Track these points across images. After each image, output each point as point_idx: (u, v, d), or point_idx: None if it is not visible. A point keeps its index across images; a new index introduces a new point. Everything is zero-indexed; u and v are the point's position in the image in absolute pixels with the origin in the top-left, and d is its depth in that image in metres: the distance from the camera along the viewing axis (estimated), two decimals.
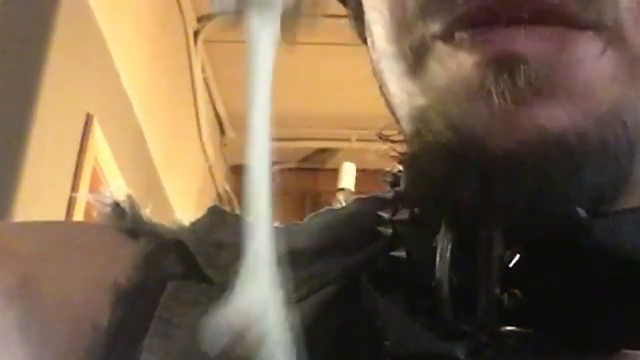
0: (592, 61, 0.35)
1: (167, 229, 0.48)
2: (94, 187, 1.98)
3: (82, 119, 1.92)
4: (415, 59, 0.38)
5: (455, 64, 0.36)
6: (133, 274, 0.45)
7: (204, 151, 3.12)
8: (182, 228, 0.48)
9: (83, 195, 1.89)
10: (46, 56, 1.73)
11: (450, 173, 0.36)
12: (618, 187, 0.36)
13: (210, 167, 3.19)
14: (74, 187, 1.87)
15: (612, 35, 0.35)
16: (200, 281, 0.45)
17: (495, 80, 0.35)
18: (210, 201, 3.24)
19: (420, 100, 0.38)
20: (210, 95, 3.15)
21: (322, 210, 0.49)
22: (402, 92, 0.40)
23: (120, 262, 0.45)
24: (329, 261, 0.45)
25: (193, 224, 0.48)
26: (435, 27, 0.37)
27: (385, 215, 0.44)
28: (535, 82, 0.35)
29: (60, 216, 1.81)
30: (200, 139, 3.07)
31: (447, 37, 0.37)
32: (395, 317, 0.40)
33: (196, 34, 2.92)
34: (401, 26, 0.39)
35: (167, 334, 0.42)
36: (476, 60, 0.36)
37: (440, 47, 0.37)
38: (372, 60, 0.43)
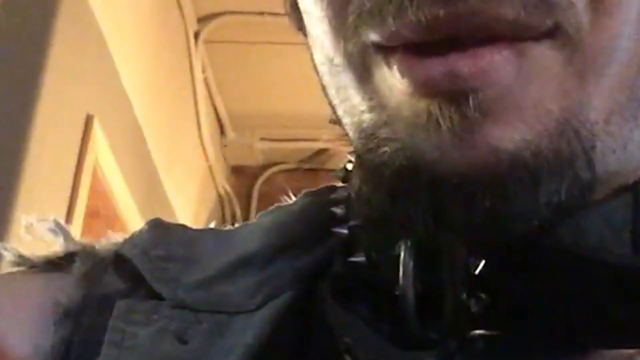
0: (544, 74, 0.34)
1: (104, 247, 0.46)
2: (94, 187, 1.98)
3: (83, 120, 1.92)
4: (358, 71, 0.37)
5: (397, 89, 0.35)
6: (73, 292, 0.44)
7: (204, 151, 3.12)
8: (120, 244, 0.46)
9: (83, 199, 1.89)
10: (46, 56, 1.73)
11: (398, 195, 0.35)
12: (578, 194, 0.35)
13: (210, 168, 3.19)
14: (74, 187, 1.87)
15: (569, 41, 0.34)
16: (149, 297, 0.43)
17: (441, 111, 0.34)
18: (210, 201, 3.24)
19: (367, 116, 0.37)
20: (210, 96, 3.14)
21: (272, 207, 0.48)
22: (347, 101, 0.38)
23: (57, 285, 0.44)
24: (282, 264, 0.44)
25: (132, 239, 0.46)
26: (373, 37, 0.35)
27: (338, 211, 0.43)
28: (484, 107, 0.33)
29: (61, 216, 1.81)
30: (201, 140, 3.07)
31: (385, 55, 0.35)
32: (359, 331, 0.39)
33: (196, 34, 2.92)
34: (340, 34, 0.37)
35: (120, 357, 0.41)
36: (417, 89, 0.34)
37: (381, 65, 0.36)
38: (312, 59, 0.41)
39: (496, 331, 0.37)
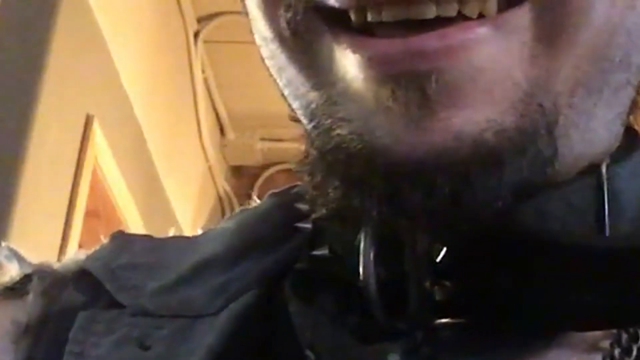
0: (516, 42, 0.33)
1: (65, 265, 0.46)
2: (94, 187, 1.98)
3: (82, 120, 1.92)
4: (298, 44, 0.35)
5: (347, 67, 0.33)
6: (32, 310, 0.43)
7: (204, 152, 3.12)
8: (82, 260, 0.46)
9: (82, 199, 1.89)
10: (46, 56, 1.73)
11: (353, 181, 0.34)
12: (540, 171, 0.34)
13: (210, 168, 3.19)
14: (74, 187, 1.87)
15: (542, 4, 0.33)
16: (110, 307, 0.42)
17: (396, 95, 0.32)
18: (210, 201, 3.24)
19: (314, 95, 0.35)
20: (210, 96, 3.14)
21: (237, 211, 0.47)
22: (293, 82, 0.36)
23: (16, 307, 0.44)
24: (246, 265, 0.42)
25: (94, 253, 0.46)
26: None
27: (303, 207, 0.41)
28: (448, 90, 0.32)
29: (61, 216, 1.81)
30: (200, 140, 3.07)
31: (333, 31, 0.33)
32: (320, 326, 0.38)
33: (196, 34, 2.92)
34: (277, 2, 0.35)
35: None
36: (371, 68, 0.32)
37: (327, 38, 0.34)
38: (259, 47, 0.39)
39: (462, 319, 0.36)
